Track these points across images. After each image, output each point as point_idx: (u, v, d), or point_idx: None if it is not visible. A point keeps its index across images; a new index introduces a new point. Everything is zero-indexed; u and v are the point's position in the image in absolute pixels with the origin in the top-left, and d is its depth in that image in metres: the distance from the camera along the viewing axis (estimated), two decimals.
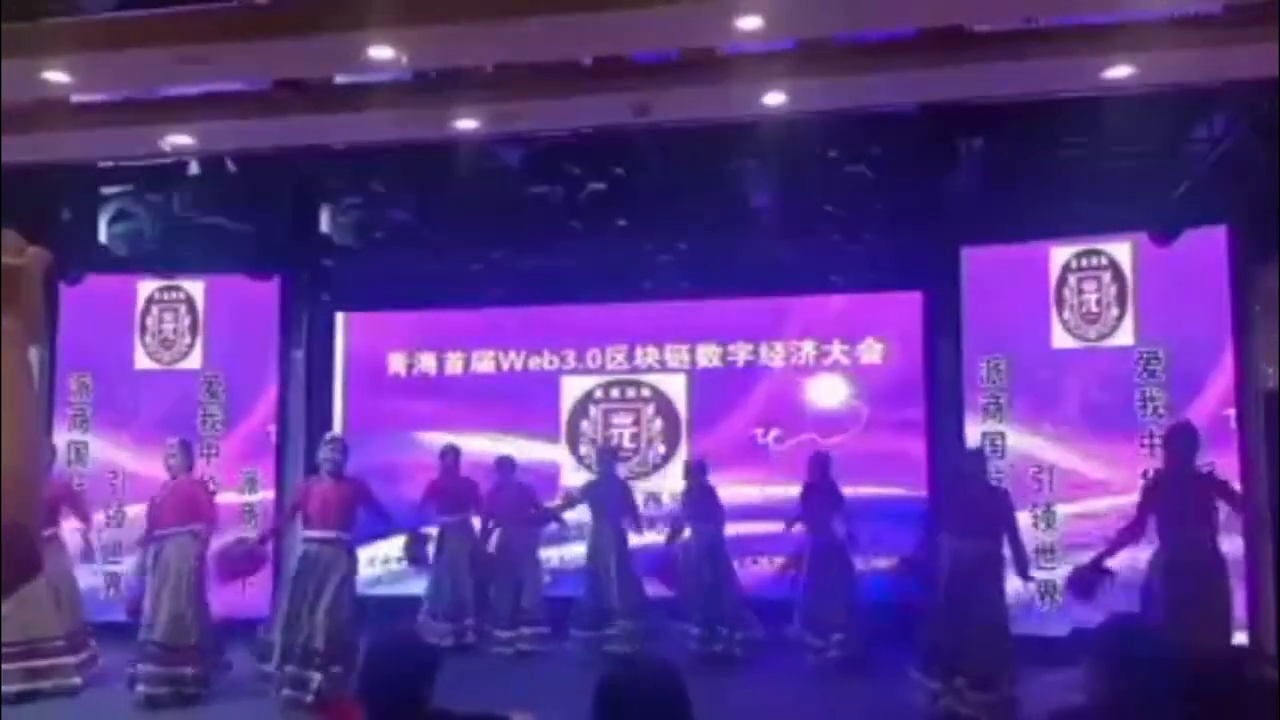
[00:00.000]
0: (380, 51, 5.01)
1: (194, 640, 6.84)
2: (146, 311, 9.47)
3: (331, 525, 6.88)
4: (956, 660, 6.34)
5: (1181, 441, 6.56)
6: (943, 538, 6.70)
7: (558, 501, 9.12)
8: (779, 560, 8.48)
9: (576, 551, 8.97)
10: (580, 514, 8.79)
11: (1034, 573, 7.99)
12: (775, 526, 8.60)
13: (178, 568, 6.86)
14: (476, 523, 8.74)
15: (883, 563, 8.53)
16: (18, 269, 1.00)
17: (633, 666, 2.42)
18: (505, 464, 8.85)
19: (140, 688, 6.72)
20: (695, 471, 8.48)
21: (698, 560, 8.22)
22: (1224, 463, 7.62)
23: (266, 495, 9.33)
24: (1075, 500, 8.28)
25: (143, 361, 9.44)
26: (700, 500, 8.36)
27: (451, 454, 8.91)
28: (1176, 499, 6.41)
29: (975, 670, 6.31)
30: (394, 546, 8.54)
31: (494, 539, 8.66)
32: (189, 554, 6.92)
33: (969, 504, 6.72)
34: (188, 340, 9.47)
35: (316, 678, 6.49)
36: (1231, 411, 7.74)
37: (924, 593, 6.74)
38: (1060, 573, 8.30)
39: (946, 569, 6.56)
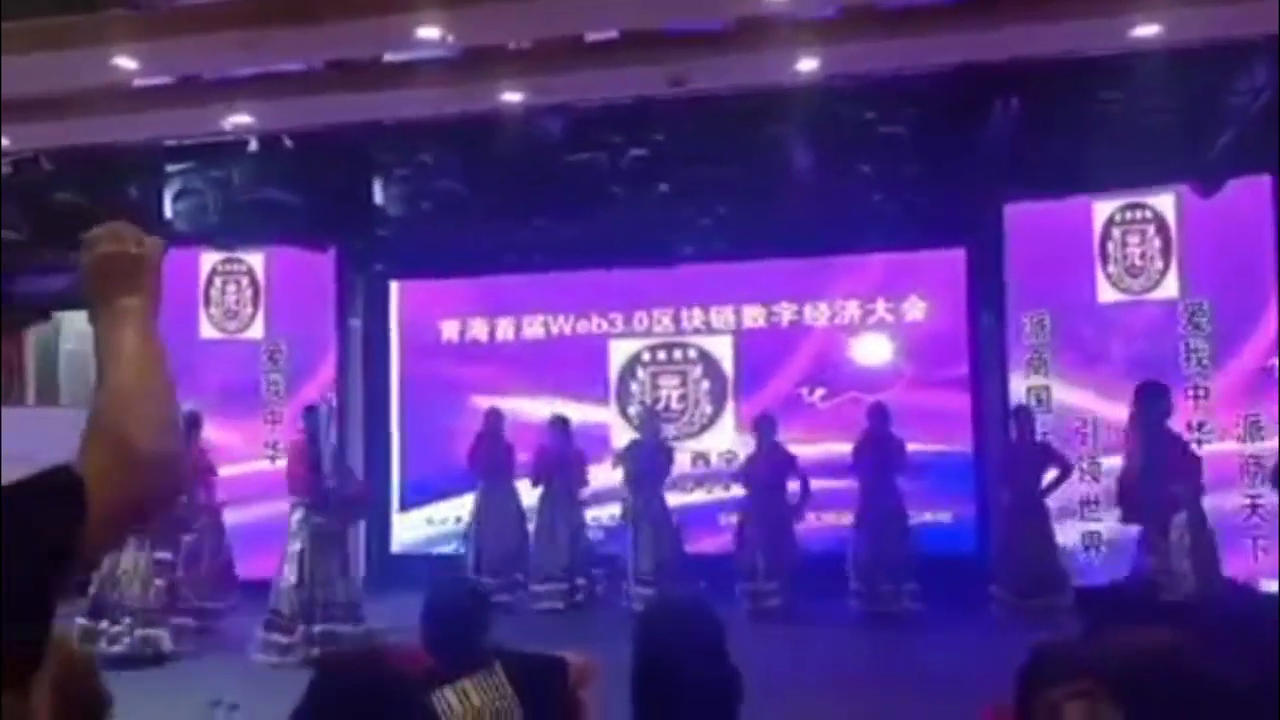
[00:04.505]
0: (428, 31, 5.22)
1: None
2: (210, 283, 9.81)
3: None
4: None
5: (1152, 400, 6.69)
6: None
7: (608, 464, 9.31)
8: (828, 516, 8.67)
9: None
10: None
11: (1079, 524, 8.18)
12: (822, 483, 8.75)
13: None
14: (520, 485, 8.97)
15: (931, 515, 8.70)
16: (141, 257, 1.22)
17: (670, 605, 2.62)
18: (559, 423, 9.04)
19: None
20: (763, 429, 8.60)
21: (753, 517, 8.42)
22: (1268, 414, 7.67)
23: None
24: (1119, 452, 8.32)
25: (208, 331, 9.80)
26: (767, 458, 8.53)
27: (495, 417, 9.12)
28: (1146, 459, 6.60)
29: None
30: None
31: (542, 495, 8.91)
32: None
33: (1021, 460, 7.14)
34: (250, 310, 9.81)
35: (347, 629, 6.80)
36: (1274, 362, 7.75)
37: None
38: (1106, 524, 8.40)
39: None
